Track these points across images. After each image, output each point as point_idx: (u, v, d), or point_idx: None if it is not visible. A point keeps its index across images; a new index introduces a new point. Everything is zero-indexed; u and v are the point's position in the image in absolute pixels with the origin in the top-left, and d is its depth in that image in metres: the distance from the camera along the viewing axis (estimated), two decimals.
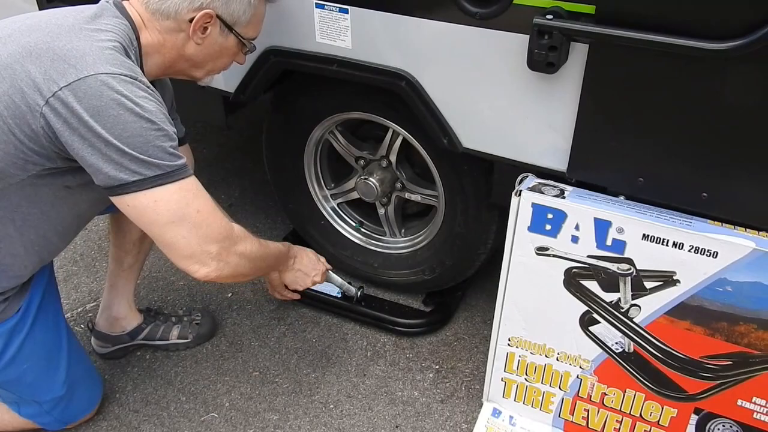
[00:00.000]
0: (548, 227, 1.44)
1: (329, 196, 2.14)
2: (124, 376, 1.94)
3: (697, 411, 1.50)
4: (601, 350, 1.53)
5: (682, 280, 1.36)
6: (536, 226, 1.45)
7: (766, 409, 1.42)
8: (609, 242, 1.39)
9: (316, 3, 1.55)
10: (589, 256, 1.43)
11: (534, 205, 1.43)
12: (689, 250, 1.33)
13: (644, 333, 1.46)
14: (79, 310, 2.17)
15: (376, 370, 1.94)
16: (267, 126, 2.02)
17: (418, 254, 2.03)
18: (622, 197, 1.43)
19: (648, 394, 1.53)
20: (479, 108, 1.50)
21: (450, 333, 2.06)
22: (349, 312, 2.09)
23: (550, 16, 1.26)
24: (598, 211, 1.38)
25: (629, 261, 1.40)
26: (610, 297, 1.46)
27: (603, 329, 1.51)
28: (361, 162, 1.99)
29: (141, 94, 1.22)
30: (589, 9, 1.25)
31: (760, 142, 1.24)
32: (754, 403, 1.43)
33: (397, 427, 1.78)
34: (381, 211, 2.06)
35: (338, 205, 2.15)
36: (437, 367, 1.95)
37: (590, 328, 1.52)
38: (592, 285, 1.46)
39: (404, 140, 1.83)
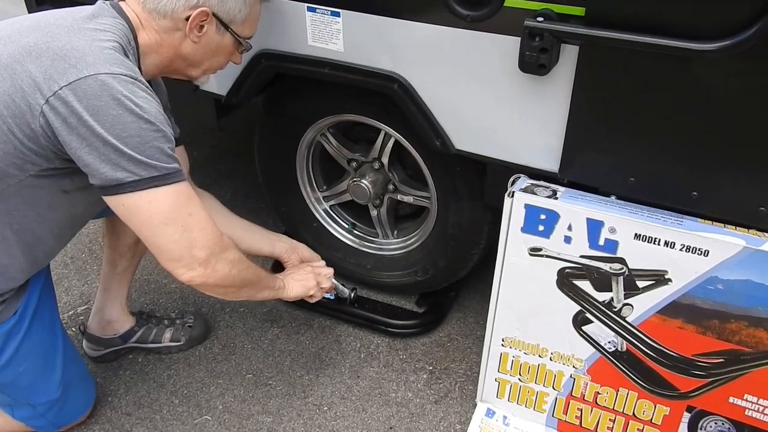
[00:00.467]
0: (541, 228, 1.45)
1: (321, 198, 2.14)
2: (116, 379, 1.93)
3: (689, 409, 1.51)
4: (594, 350, 1.54)
5: (674, 278, 1.38)
6: (529, 227, 1.46)
7: (757, 406, 1.43)
8: (601, 242, 1.40)
9: (307, 6, 1.55)
10: (581, 256, 1.44)
11: (527, 206, 1.44)
12: (680, 249, 1.34)
13: (637, 332, 1.47)
14: (71, 313, 2.15)
15: (369, 372, 1.94)
16: (259, 128, 2.02)
17: (411, 255, 2.03)
18: (613, 197, 1.44)
19: (641, 393, 1.54)
20: (471, 110, 1.51)
21: (443, 334, 2.07)
22: (342, 313, 2.10)
23: (540, 19, 1.27)
24: (591, 212, 1.39)
25: (621, 261, 1.41)
26: (602, 296, 1.47)
27: (596, 329, 1.52)
28: (354, 164, 1.99)
29: (141, 95, 1.22)
30: (578, 11, 1.26)
31: (749, 140, 1.26)
32: (746, 400, 1.44)
33: (391, 428, 1.78)
34: (373, 212, 2.06)
35: (330, 207, 2.15)
36: (431, 368, 1.95)
37: (583, 327, 1.53)
38: (585, 285, 1.47)
39: (396, 142, 1.83)
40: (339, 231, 2.15)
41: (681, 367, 1.47)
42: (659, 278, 1.39)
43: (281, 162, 2.04)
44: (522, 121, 1.46)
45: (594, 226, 1.40)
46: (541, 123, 1.43)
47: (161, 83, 1.62)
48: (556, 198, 1.43)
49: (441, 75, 1.49)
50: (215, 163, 2.96)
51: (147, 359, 1.99)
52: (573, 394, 1.63)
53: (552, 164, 1.47)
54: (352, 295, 2.03)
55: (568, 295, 1.50)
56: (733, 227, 1.34)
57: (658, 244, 1.35)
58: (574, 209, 1.40)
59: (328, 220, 2.15)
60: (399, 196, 1.99)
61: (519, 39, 1.31)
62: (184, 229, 1.29)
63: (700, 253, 1.32)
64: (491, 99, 1.46)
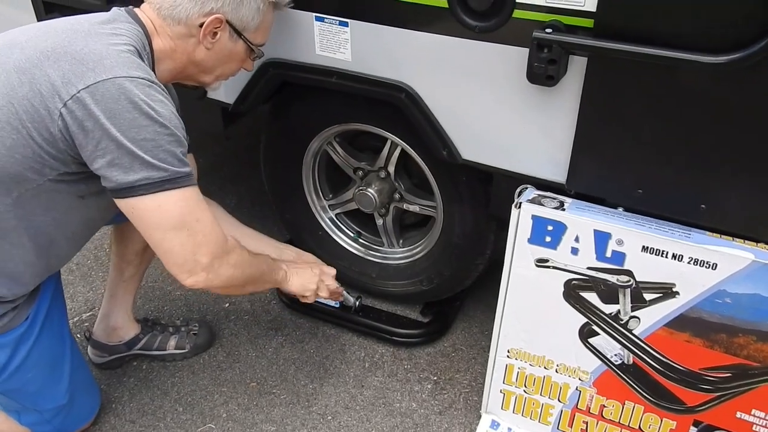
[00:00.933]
0: (548, 239, 1.44)
1: (327, 207, 2.14)
2: (120, 386, 1.93)
3: (696, 423, 1.50)
4: (600, 362, 1.54)
5: (682, 291, 1.37)
6: (536, 238, 1.45)
7: (765, 422, 1.42)
8: (609, 254, 1.40)
9: (316, 16, 1.56)
10: (588, 268, 1.43)
11: (534, 217, 1.43)
12: (688, 262, 1.33)
13: (643, 345, 1.46)
14: (75, 319, 2.15)
15: (374, 381, 1.94)
16: (265, 136, 2.02)
17: (416, 265, 2.03)
18: (621, 209, 1.44)
19: (647, 406, 1.53)
20: (478, 120, 1.51)
21: (448, 344, 2.06)
22: (347, 322, 2.09)
23: (549, 30, 1.27)
24: (598, 223, 1.38)
25: (629, 273, 1.40)
26: (609, 309, 1.46)
27: (602, 341, 1.51)
28: (360, 173, 1.99)
29: (157, 98, 1.24)
30: (587, 23, 1.26)
31: (758, 153, 1.25)
32: (754, 416, 1.43)
33: None
34: (379, 221, 2.06)
35: (336, 215, 2.15)
36: (435, 378, 1.94)
37: (589, 339, 1.52)
38: (592, 297, 1.46)
39: (403, 151, 1.83)
40: (344, 239, 2.15)
41: (688, 381, 1.46)
42: (667, 291, 1.38)
43: (287, 170, 2.04)
44: (529, 132, 1.45)
45: (601, 238, 1.39)
46: (549, 134, 1.43)
47: (172, 89, 1.63)
48: (564, 209, 1.42)
49: (448, 85, 1.49)
50: (220, 170, 2.96)
51: (151, 366, 1.99)
52: (579, 406, 1.62)
53: (559, 175, 1.47)
54: (357, 303, 2.03)
55: (575, 307, 1.49)
56: (742, 241, 1.33)
57: (666, 257, 1.35)
58: (582, 221, 1.40)
59: (334, 228, 2.15)
60: (405, 205, 1.99)
61: (527, 50, 1.31)
62: (190, 234, 1.31)
63: (708, 266, 1.32)
64: (499, 109, 1.46)
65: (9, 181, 1.27)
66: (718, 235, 1.35)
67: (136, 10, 1.39)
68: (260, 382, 1.94)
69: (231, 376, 1.96)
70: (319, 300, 2.03)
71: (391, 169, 1.91)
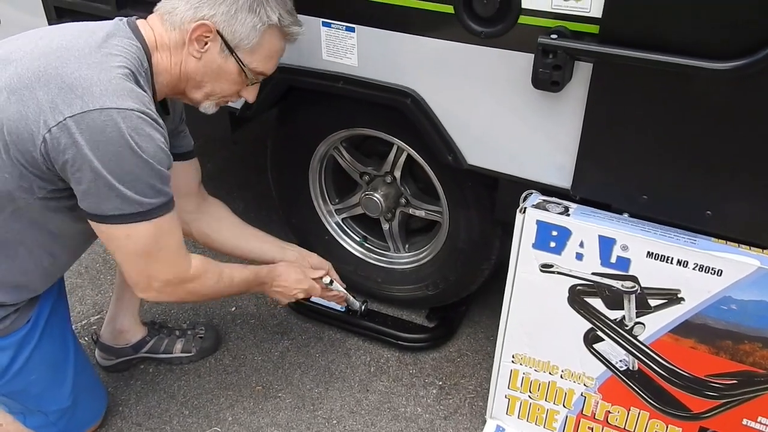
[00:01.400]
0: (553, 244, 1.44)
1: (333, 211, 2.14)
2: (127, 389, 1.94)
3: (702, 430, 1.49)
4: (605, 368, 1.53)
5: (687, 298, 1.37)
6: (541, 243, 1.45)
7: None
8: (613, 260, 1.40)
9: (323, 22, 1.57)
10: (593, 274, 1.43)
11: (539, 222, 1.43)
12: (694, 268, 1.33)
13: (649, 351, 1.46)
14: (84, 322, 2.17)
15: (379, 386, 1.94)
16: (272, 141, 2.04)
17: (422, 269, 2.03)
18: (626, 215, 1.43)
19: (652, 413, 1.53)
20: (484, 125, 1.51)
21: (453, 349, 2.06)
22: (352, 326, 2.09)
23: (554, 36, 1.27)
24: (603, 229, 1.38)
25: (634, 279, 1.40)
26: (614, 314, 1.46)
27: (607, 347, 1.50)
28: (366, 177, 2.00)
29: (144, 131, 1.22)
30: (592, 29, 1.27)
31: (763, 159, 1.25)
32: (760, 423, 1.42)
33: None
34: (385, 226, 2.07)
35: (342, 220, 2.16)
36: (440, 383, 1.94)
37: (594, 345, 1.52)
38: (597, 302, 1.46)
39: (409, 156, 1.83)
40: (350, 244, 2.16)
41: (693, 388, 1.45)
42: (672, 297, 1.38)
43: (294, 174, 2.05)
44: (534, 138, 1.46)
45: (606, 244, 1.39)
46: (554, 139, 1.43)
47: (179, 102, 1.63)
48: (568, 215, 1.42)
49: (454, 90, 1.50)
50: (227, 175, 2.97)
51: (158, 370, 2.00)
52: (584, 412, 1.62)
53: (564, 181, 1.47)
54: (363, 307, 2.03)
55: (580, 313, 1.49)
56: (748, 247, 1.33)
57: (671, 263, 1.35)
58: (587, 226, 1.40)
59: (340, 233, 2.16)
60: (411, 210, 1.99)
61: (532, 56, 1.31)
62: (150, 261, 1.34)
63: (713, 272, 1.31)
64: (504, 115, 1.47)
65: (1, 198, 1.28)
66: (724, 242, 1.35)
67: (140, 22, 1.37)
68: (266, 385, 1.95)
69: (237, 380, 1.96)
70: (326, 304, 2.05)
71: (397, 174, 1.92)
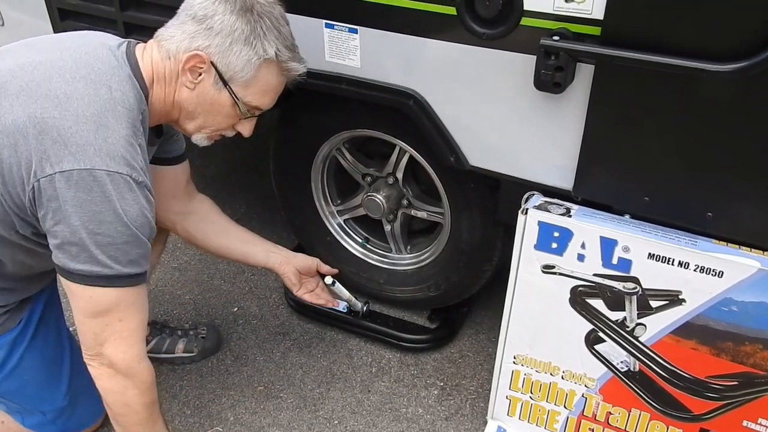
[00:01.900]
0: (554, 245, 1.44)
1: (335, 212, 2.15)
2: None
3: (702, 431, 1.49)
4: (606, 369, 1.53)
5: (688, 299, 1.37)
6: (542, 245, 1.46)
7: None
8: (615, 261, 1.40)
9: (326, 23, 1.57)
10: (595, 275, 1.44)
11: (540, 223, 1.44)
12: (695, 270, 1.33)
13: (650, 352, 1.46)
14: None
15: (380, 387, 1.94)
16: (274, 142, 2.04)
17: (424, 271, 2.03)
18: (627, 216, 1.44)
19: (653, 414, 1.53)
20: (486, 127, 1.52)
21: (455, 350, 2.06)
22: (354, 327, 2.10)
23: (556, 38, 1.28)
24: (604, 230, 1.39)
25: (635, 280, 1.40)
26: (615, 316, 1.46)
27: (608, 348, 1.51)
28: (368, 179, 2.00)
29: (130, 197, 1.20)
30: (594, 30, 1.27)
31: (765, 162, 1.25)
32: (760, 425, 1.42)
33: None
34: (387, 227, 2.07)
35: (344, 221, 2.16)
36: (442, 384, 1.95)
37: (596, 346, 1.52)
38: (598, 303, 1.47)
39: (411, 157, 1.84)
40: (352, 245, 2.16)
41: (694, 389, 1.45)
42: (673, 298, 1.38)
43: (296, 176, 2.06)
44: (536, 139, 1.46)
45: (607, 245, 1.39)
46: (556, 141, 1.44)
47: None
48: (570, 216, 1.43)
49: (456, 92, 1.51)
50: (229, 176, 2.98)
51: (160, 369, 2.00)
52: (585, 413, 1.62)
53: (566, 182, 1.48)
54: (365, 308, 2.04)
55: (581, 314, 1.50)
56: (749, 249, 1.33)
57: (672, 264, 1.35)
58: (588, 227, 1.40)
59: (342, 234, 2.16)
60: (413, 211, 2.00)
61: (535, 57, 1.31)
62: (105, 329, 1.28)
63: (714, 274, 1.32)
64: (506, 116, 1.47)
65: None
66: (725, 243, 1.35)
67: (139, 51, 1.33)
68: (267, 386, 1.95)
69: (238, 380, 1.97)
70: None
71: (400, 175, 1.93)
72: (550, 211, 1.44)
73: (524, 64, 1.36)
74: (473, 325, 2.15)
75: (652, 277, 1.38)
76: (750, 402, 1.41)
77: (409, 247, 2.11)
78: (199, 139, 1.44)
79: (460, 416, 1.85)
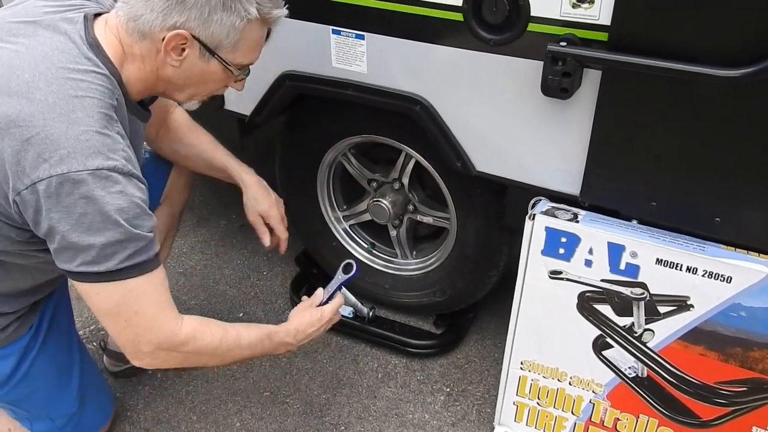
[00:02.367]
0: (562, 251, 1.44)
1: (341, 218, 2.15)
2: (135, 394, 1.95)
3: None
4: (614, 375, 1.53)
5: (696, 305, 1.37)
6: (550, 250, 1.46)
7: None
8: (622, 266, 1.40)
9: (332, 29, 1.58)
10: (602, 280, 1.43)
11: (548, 228, 1.44)
12: (703, 275, 1.33)
13: (658, 358, 1.46)
14: (92, 328, 2.18)
15: (386, 392, 1.94)
16: (280, 147, 2.05)
17: (430, 276, 2.03)
18: (635, 221, 1.44)
19: (661, 420, 1.52)
20: (493, 132, 1.52)
21: (461, 355, 2.06)
22: (360, 332, 2.10)
23: (563, 43, 1.28)
24: (612, 236, 1.39)
25: (643, 285, 1.40)
26: (623, 321, 1.46)
27: (616, 354, 1.50)
28: (374, 184, 2.01)
29: (115, 190, 1.16)
30: (601, 36, 1.27)
31: None
32: None
33: None
34: (393, 233, 2.07)
35: (350, 226, 2.16)
36: (448, 389, 1.94)
37: (603, 352, 1.52)
38: (606, 309, 1.46)
39: (417, 163, 1.84)
40: (358, 250, 2.16)
41: (703, 395, 1.45)
42: (681, 304, 1.38)
43: (302, 181, 2.06)
44: (543, 144, 1.46)
45: (615, 250, 1.39)
46: (563, 146, 1.44)
47: None
48: (577, 221, 1.43)
49: (463, 97, 1.51)
50: None
51: (166, 375, 2.01)
52: (592, 419, 1.62)
53: (573, 187, 1.48)
54: (371, 314, 2.03)
55: (589, 319, 1.49)
56: (757, 254, 1.33)
57: (680, 270, 1.35)
58: (595, 233, 1.40)
59: (348, 239, 2.16)
60: (418, 217, 2.00)
61: (542, 63, 1.32)
62: (129, 324, 1.26)
63: (722, 279, 1.31)
64: (513, 122, 1.47)
65: None
66: (733, 249, 1.35)
67: (100, 32, 1.24)
68: (274, 391, 1.95)
69: (245, 386, 1.97)
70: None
71: (405, 180, 1.93)
72: (557, 217, 1.44)
73: (531, 69, 1.36)
74: (479, 330, 2.15)
75: (659, 282, 1.38)
76: (759, 408, 1.41)
77: (414, 253, 2.11)
78: (191, 105, 1.42)
79: (467, 422, 1.84)
